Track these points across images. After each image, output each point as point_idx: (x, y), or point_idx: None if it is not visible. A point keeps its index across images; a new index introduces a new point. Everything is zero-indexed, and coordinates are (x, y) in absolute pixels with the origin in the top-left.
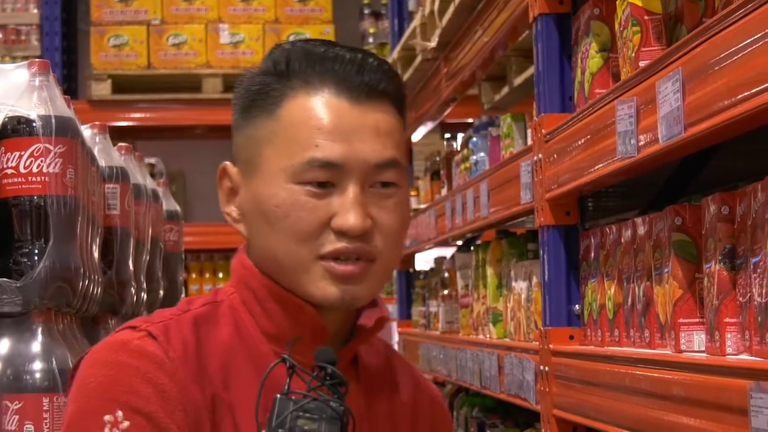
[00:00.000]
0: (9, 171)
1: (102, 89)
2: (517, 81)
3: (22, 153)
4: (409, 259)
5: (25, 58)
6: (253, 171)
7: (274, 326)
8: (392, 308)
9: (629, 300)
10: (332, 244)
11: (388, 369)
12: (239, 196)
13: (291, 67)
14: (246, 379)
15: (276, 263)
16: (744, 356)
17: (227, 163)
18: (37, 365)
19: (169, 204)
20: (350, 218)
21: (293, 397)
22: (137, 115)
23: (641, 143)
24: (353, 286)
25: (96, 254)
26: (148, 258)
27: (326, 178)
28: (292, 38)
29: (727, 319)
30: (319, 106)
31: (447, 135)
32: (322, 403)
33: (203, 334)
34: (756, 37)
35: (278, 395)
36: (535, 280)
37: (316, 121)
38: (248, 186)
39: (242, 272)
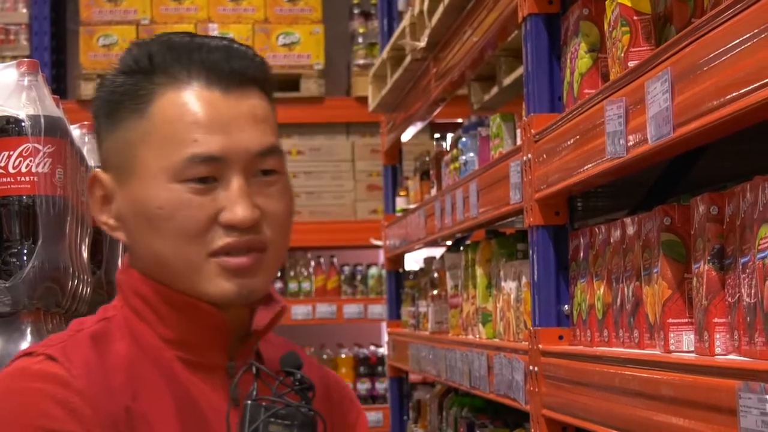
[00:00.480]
0: None
1: (91, 89)
2: (507, 81)
3: (11, 153)
4: (399, 260)
5: (14, 57)
6: (128, 175)
7: (172, 331)
8: (381, 308)
9: (618, 300)
10: (222, 239)
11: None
12: (115, 203)
13: (155, 63)
14: (154, 388)
15: (165, 267)
16: (733, 356)
17: (98, 170)
18: None
19: None
20: (238, 211)
21: (264, 404)
22: None
23: (630, 143)
24: (249, 279)
25: (85, 254)
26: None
27: (208, 173)
28: (281, 39)
29: (716, 320)
30: (192, 99)
31: (436, 135)
32: (293, 408)
33: (102, 351)
34: (745, 37)
35: (248, 402)
36: (524, 280)
37: (191, 115)
38: (125, 191)
39: (129, 282)
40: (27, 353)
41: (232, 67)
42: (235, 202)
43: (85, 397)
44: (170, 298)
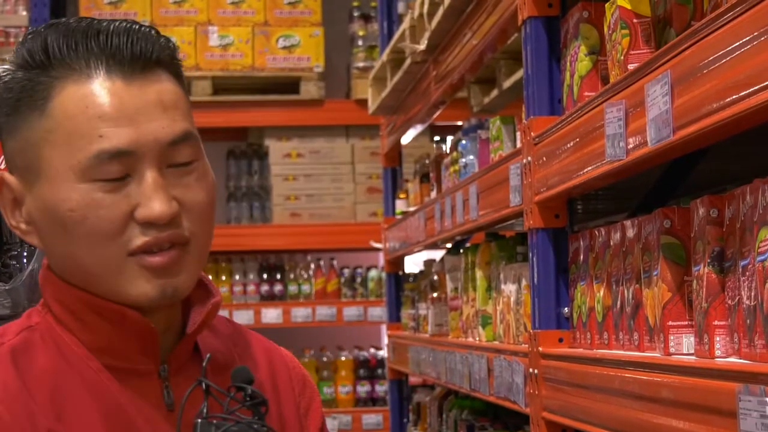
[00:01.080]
0: None
1: None
2: (506, 84)
3: None
4: (399, 262)
5: None
6: (35, 177)
7: (98, 339)
8: (381, 311)
9: (618, 303)
10: (140, 237)
11: (237, 350)
12: (25, 206)
13: (51, 55)
14: (80, 405)
15: (83, 271)
16: (733, 359)
17: (4, 173)
18: None
19: None
20: (155, 206)
21: (214, 421)
22: None
23: (630, 146)
24: (172, 278)
25: None
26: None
27: (119, 169)
28: (280, 41)
29: (716, 322)
30: (93, 91)
31: (436, 138)
32: (245, 425)
33: (24, 367)
34: (744, 40)
35: (198, 420)
36: (524, 282)
37: (94, 109)
38: (33, 194)
39: (50, 288)
40: None
41: (133, 51)
42: (150, 197)
43: (4, 424)
44: (93, 305)
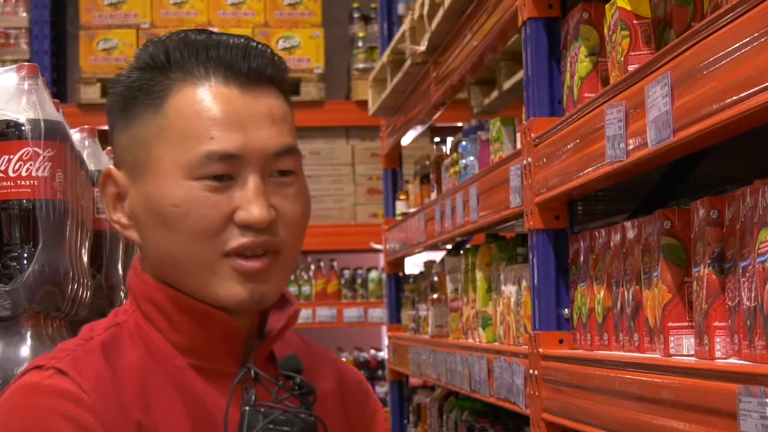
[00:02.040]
0: None
1: (91, 93)
2: (507, 85)
3: (11, 157)
4: (399, 263)
5: (14, 61)
6: (142, 172)
7: (185, 338)
8: (381, 312)
9: (618, 304)
10: (237, 239)
11: (306, 361)
12: (128, 200)
13: (172, 59)
14: (167, 399)
15: (177, 267)
16: (733, 360)
17: (110, 167)
18: None
19: None
20: (254, 210)
21: (262, 409)
22: None
23: (630, 147)
24: (261, 285)
25: (85, 258)
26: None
27: (224, 170)
28: (281, 42)
29: (716, 323)
30: (209, 96)
31: (436, 139)
32: (292, 414)
33: (114, 360)
34: (745, 41)
35: (246, 407)
36: (524, 284)
37: (208, 112)
38: (138, 189)
39: (141, 287)
40: (37, 366)
41: (250, 66)
42: (250, 202)
43: (96, 413)
44: (183, 305)
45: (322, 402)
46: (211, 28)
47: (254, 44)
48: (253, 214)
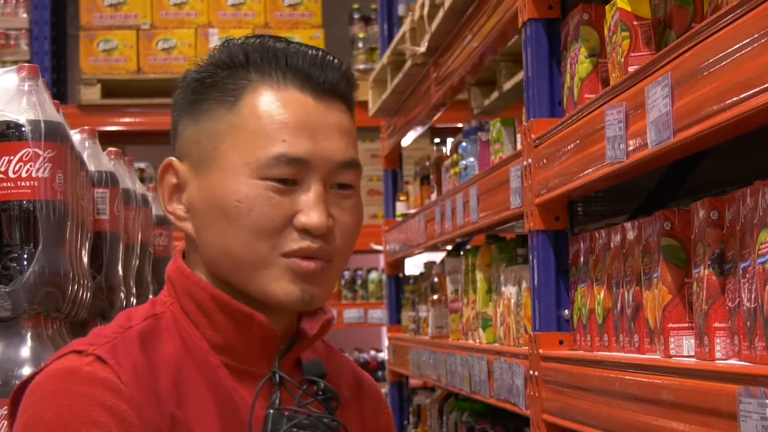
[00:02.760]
0: None
1: (91, 94)
2: (507, 86)
3: (11, 158)
4: (399, 264)
5: (14, 62)
6: (207, 166)
7: (222, 337)
8: (382, 313)
9: (618, 305)
10: (296, 242)
11: (331, 367)
12: (187, 192)
13: (251, 60)
14: (199, 395)
15: (233, 261)
16: (733, 361)
17: (173, 158)
18: (27, 370)
19: (158, 209)
20: (314, 216)
21: (286, 413)
22: (127, 119)
23: (630, 148)
24: (313, 286)
25: (85, 259)
26: (137, 263)
27: (291, 174)
28: None
29: (717, 324)
30: (284, 100)
31: (436, 140)
32: (316, 418)
33: (150, 352)
34: (745, 42)
35: (270, 410)
36: (524, 284)
37: (282, 115)
38: (201, 181)
39: (183, 282)
40: (74, 351)
41: (326, 77)
42: (312, 207)
43: (133, 404)
44: (226, 306)
45: (344, 407)
46: (211, 30)
47: (331, 58)
48: (313, 219)
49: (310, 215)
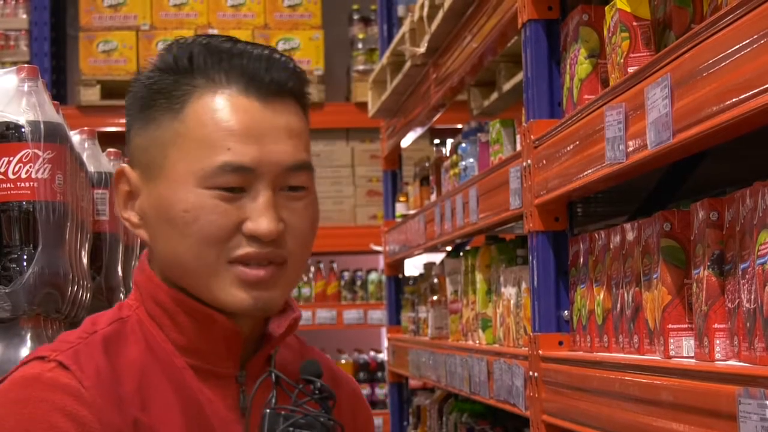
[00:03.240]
0: None
1: (91, 95)
2: (506, 87)
3: (11, 159)
4: (399, 265)
5: (13, 63)
6: (156, 174)
7: (186, 339)
8: (381, 314)
9: (618, 306)
10: (243, 248)
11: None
12: (140, 199)
13: (195, 64)
14: (163, 398)
15: (183, 269)
16: (733, 362)
17: (125, 165)
18: None
19: None
20: (263, 223)
21: (283, 412)
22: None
23: (630, 149)
24: (265, 292)
25: (85, 260)
26: (137, 263)
27: (238, 182)
28: (280, 44)
29: (716, 325)
30: (229, 105)
31: (436, 141)
32: (313, 417)
33: (114, 356)
34: (744, 43)
35: (267, 410)
36: (524, 285)
37: (227, 122)
38: (151, 190)
39: (147, 285)
40: (38, 357)
41: (272, 77)
42: (260, 214)
43: (94, 410)
44: (187, 307)
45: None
46: (210, 30)
47: (278, 56)
48: (261, 226)
49: (259, 222)
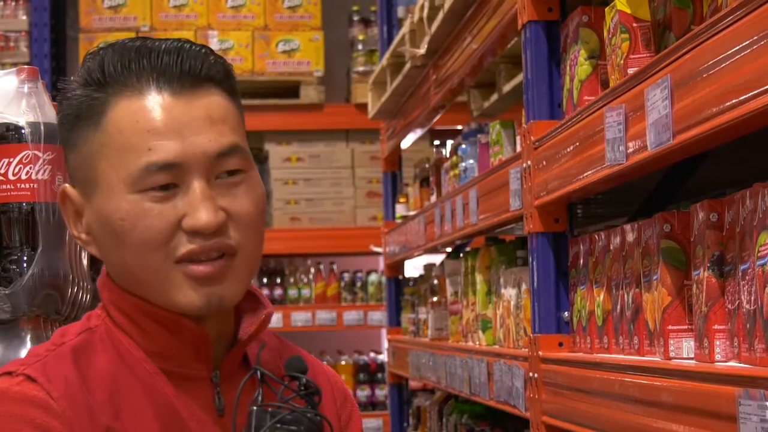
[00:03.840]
0: None
1: None
2: (506, 88)
3: (11, 160)
4: (399, 266)
5: (13, 64)
6: (92, 188)
7: (155, 344)
8: (381, 315)
9: (618, 307)
10: (186, 245)
11: (282, 362)
12: (84, 217)
13: (107, 73)
14: (136, 404)
15: (134, 278)
16: (733, 363)
17: (66, 185)
18: None
19: None
20: (201, 216)
21: (269, 409)
22: None
23: (630, 150)
24: (217, 287)
25: (85, 261)
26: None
27: (167, 180)
28: (280, 45)
29: (716, 326)
30: (143, 106)
31: (436, 142)
32: (299, 414)
33: (84, 365)
34: (744, 44)
35: (254, 407)
36: (524, 287)
37: (144, 123)
38: (91, 205)
39: (110, 294)
40: (6, 372)
41: (183, 68)
42: (196, 207)
43: (64, 420)
44: (149, 312)
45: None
46: (210, 32)
47: (188, 46)
48: (200, 219)
49: (196, 216)
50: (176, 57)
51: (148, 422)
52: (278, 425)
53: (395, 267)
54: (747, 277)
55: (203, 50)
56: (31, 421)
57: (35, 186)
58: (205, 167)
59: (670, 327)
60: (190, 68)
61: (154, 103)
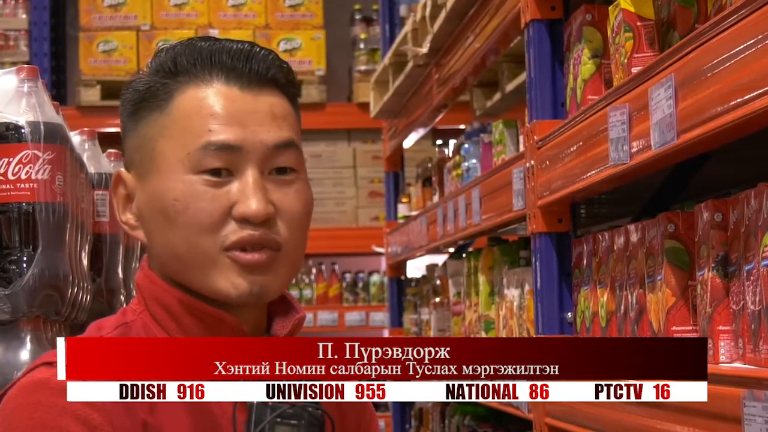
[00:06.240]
0: None
1: (91, 95)
2: (509, 87)
3: (11, 159)
4: (401, 267)
5: (13, 63)
6: (148, 170)
7: None
8: (383, 316)
9: (622, 307)
10: (236, 233)
11: None
12: (135, 200)
13: (179, 65)
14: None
15: (180, 261)
16: (737, 364)
17: (121, 170)
18: None
19: None
20: (252, 204)
21: (270, 403)
22: None
23: (634, 150)
24: (261, 277)
25: (85, 261)
26: (137, 265)
27: (223, 163)
28: (282, 44)
29: (721, 327)
30: (210, 94)
31: (439, 141)
32: (300, 408)
33: None
34: (749, 43)
35: (254, 401)
36: (527, 287)
37: (208, 108)
38: (144, 186)
39: (151, 288)
40: (46, 363)
41: (251, 68)
42: (248, 195)
43: (104, 412)
44: (193, 309)
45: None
46: (211, 30)
47: (257, 49)
48: (251, 207)
49: (247, 203)
50: (246, 57)
51: (182, 417)
52: (279, 419)
53: (397, 267)
54: (752, 278)
55: (271, 55)
56: (72, 412)
57: (35, 186)
58: (261, 157)
59: (674, 328)
60: (258, 69)
61: (222, 92)
